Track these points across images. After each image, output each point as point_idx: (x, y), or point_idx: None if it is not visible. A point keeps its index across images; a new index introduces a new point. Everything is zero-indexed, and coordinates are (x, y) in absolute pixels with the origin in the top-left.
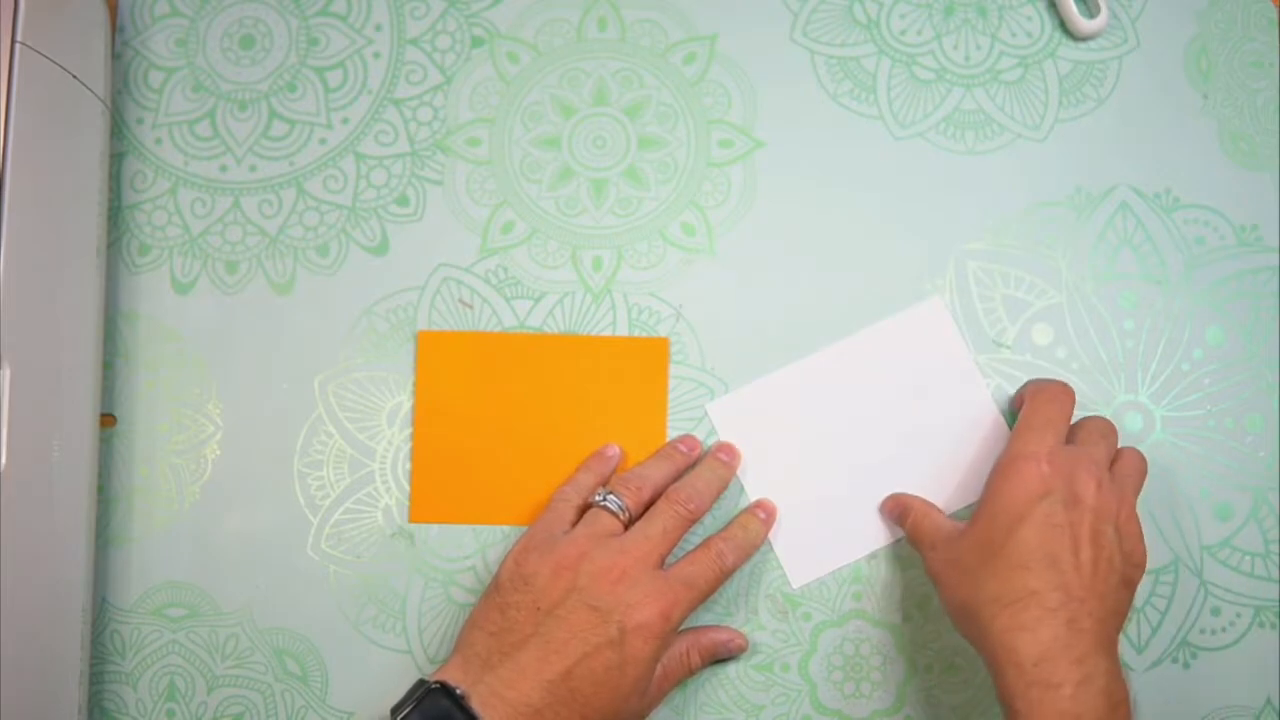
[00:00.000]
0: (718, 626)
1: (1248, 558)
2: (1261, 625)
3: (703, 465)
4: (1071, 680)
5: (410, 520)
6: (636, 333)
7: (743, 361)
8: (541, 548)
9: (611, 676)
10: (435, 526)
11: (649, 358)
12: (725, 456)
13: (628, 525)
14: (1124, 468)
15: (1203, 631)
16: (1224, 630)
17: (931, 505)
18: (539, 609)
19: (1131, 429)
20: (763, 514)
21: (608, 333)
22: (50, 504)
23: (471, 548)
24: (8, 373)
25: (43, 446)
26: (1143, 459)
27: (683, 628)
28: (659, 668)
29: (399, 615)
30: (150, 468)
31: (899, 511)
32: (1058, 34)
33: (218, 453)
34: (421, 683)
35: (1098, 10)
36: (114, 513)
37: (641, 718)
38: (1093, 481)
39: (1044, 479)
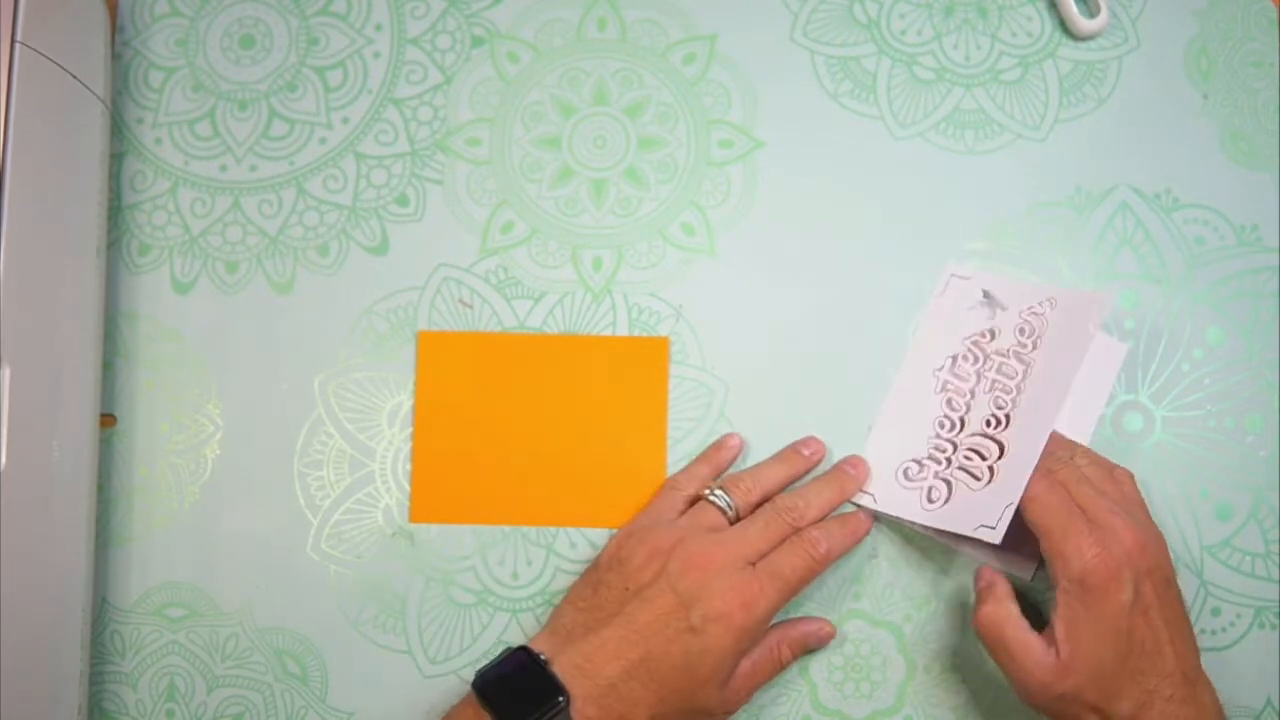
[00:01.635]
0: (806, 618)
1: (1248, 558)
2: (1262, 626)
3: (822, 477)
4: None
5: (410, 520)
6: (637, 333)
7: (743, 361)
8: (642, 532)
9: (689, 663)
10: (435, 526)
11: (649, 357)
12: (851, 469)
13: (733, 523)
14: (1129, 503)
15: (1203, 632)
16: (1224, 630)
17: (1015, 608)
18: (628, 589)
19: (1132, 429)
20: (856, 491)
21: (608, 333)
22: (50, 504)
23: (471, 547)
24: (8, 373)
25: (43, 446)
26: (1132, 483)
27: (775, 621)
28: (747, 663)
29: (399, 615)
30: (150, 468)
31: (985, 589)
32: (1058, 34)
33: (218, 453)
34: (508, 648)
35: (1098, 10)
36: (114, 513)
37: (726, 711)
38: (1143, 561)
39: (1118, 583)
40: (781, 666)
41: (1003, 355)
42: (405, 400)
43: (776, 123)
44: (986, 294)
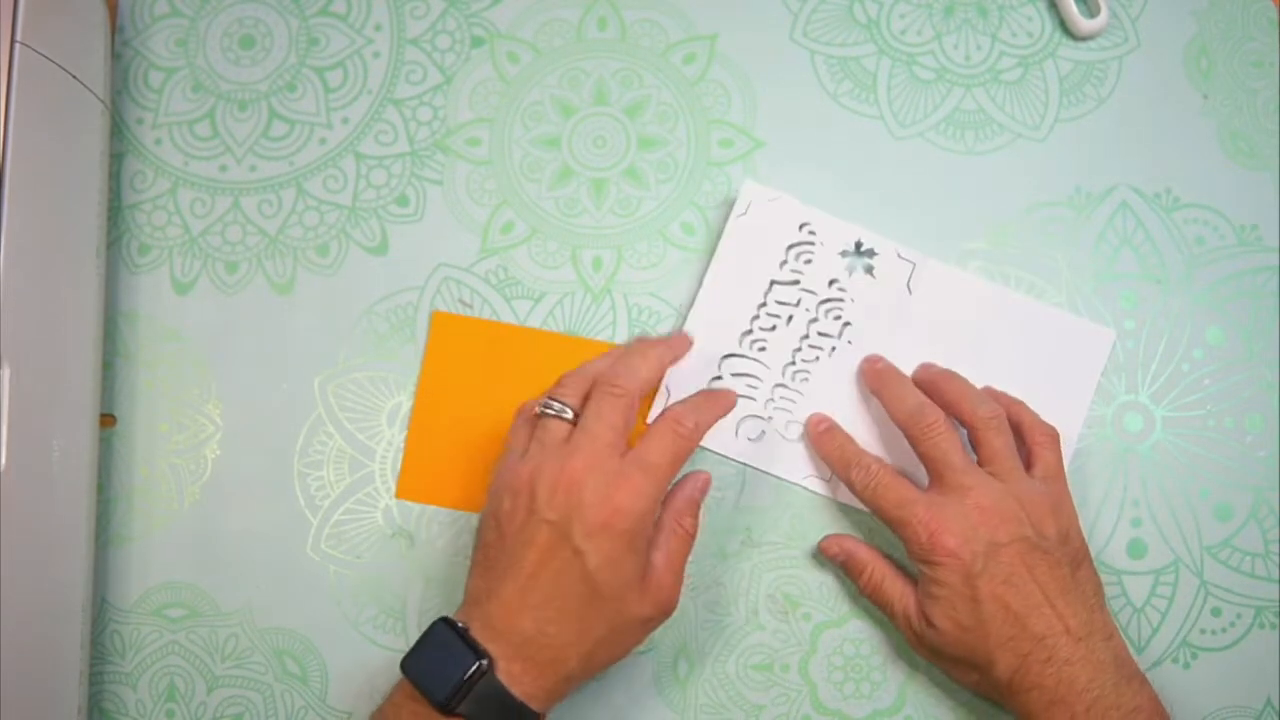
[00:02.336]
0: (681, 481)
1: (1248, 558)
2: (1262, 626)
3: (641, 343)
4: (1112, 680)
5: (396, 496)
6: (636, 332)
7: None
8: (501, 479)
9: (592, 586)
10: (436, 525)
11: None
12: (674, 341)
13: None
14: (1038, 465)
15: (1203, 632)
16: (1224, 631)
17: (889, 562)
18: (507, 539)
19: (1132, 429)
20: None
21: (607, 333)
22: (50, 504)
23: (471, 547)
24: (8, 373)
25: (43, 446)
26: (1051, 445)
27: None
28: (659, 555)
29: (399, 615)
30: (150, 468)
31: (846, 562)
32: (1058, 34)
33: (218, 453)
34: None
35: (1098, 10)
36: (114, 513)
37: (662, 608)
38: (1000, 531)
39: (958, 559)
40: (691, 537)
41: (822, 301)
42: (405, 400)
43: (776, 123)
44: (804, 225)
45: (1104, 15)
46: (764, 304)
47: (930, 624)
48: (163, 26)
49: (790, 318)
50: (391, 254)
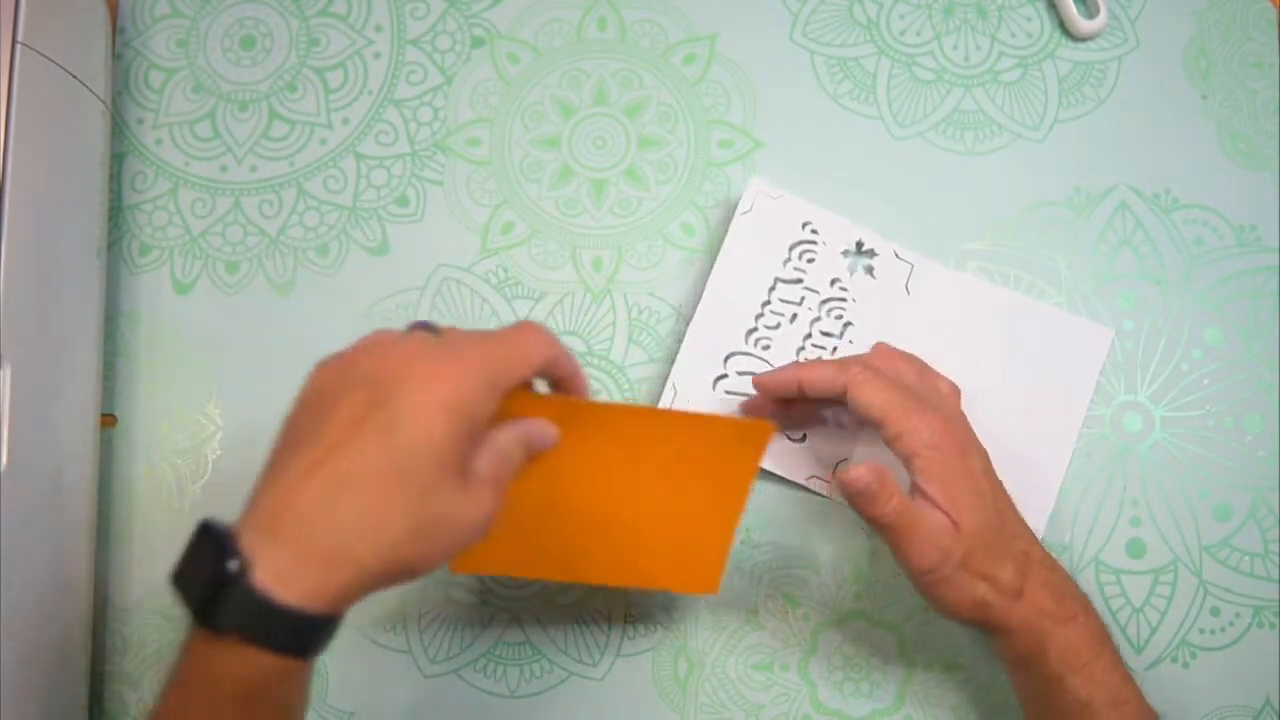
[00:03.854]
0: (531, 421)
1: (1247, 558)
2: (1261, 625)
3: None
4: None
5: (451, 569)
6: (636, 332)
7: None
8: (328, 360)
9: (400, 464)
10: None
11: (744, 442)
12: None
13: None
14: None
15: (1202, 631)
16: (1223, 630)
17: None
18: (310, 408)
19: (1131, 429)
20: None
21: (608, 333)
22: (50, 504)
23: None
24: (8, 373)
25: (43, 446)
26: (955, 394)
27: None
28: (484, 464)
29: (399, 615)
30: (150, 468)
31: (877, 488)
32: (1057, 34)
33: (218, 453)
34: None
35: (1097, 10)
36: (115, 512)
37: (472, 520)
38: (969, 438)
39: (966, 448)
40: (517, 465)
41: (824, 300)
42: None
43: (776, 123)
44: (807, 224)
45: (1103, 16)
46: (768, 302)
47: (957, 525)
48: (163, 27)
49: (794, 316)
50: (392, 254)
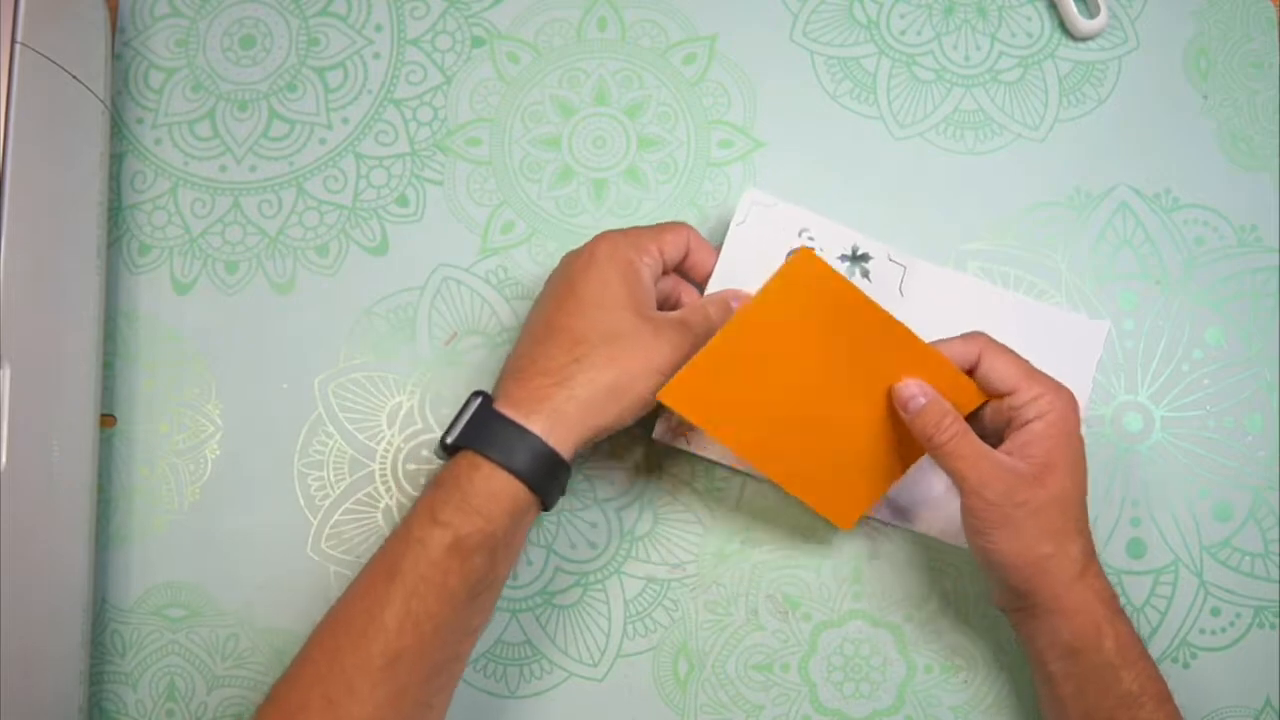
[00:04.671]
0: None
1: (1247, 558)
2: (1261, 625)
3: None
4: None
5: (657, 396)
6: None
7: None
8: None
9: (571, 287)
10: None
11: (954, 393)
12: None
13: None
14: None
15: (1203, 632)
16: (1224, 630)
17: (965, 423)
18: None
19: (1131, 429)
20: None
21: None
22: (50, 504)
23: None
24: (8, 373)
25: (43, 446)
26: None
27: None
28: (683, 309)
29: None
30: (150, 468)
31: (929, 411)
32: (1057, 34)
33: (218, 453)
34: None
35: (1097, 10)
36: (114, 513)
37: (671, 344)
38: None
39: (1078, 430)
40: (710, 323)
41: None
42: (405, 400)
43: (776, 123)
44: (804, 231)
45: (1103, 16)
46: None
47: (1032, 467)
48: (163, 27)
49: None
50: (391, 254)
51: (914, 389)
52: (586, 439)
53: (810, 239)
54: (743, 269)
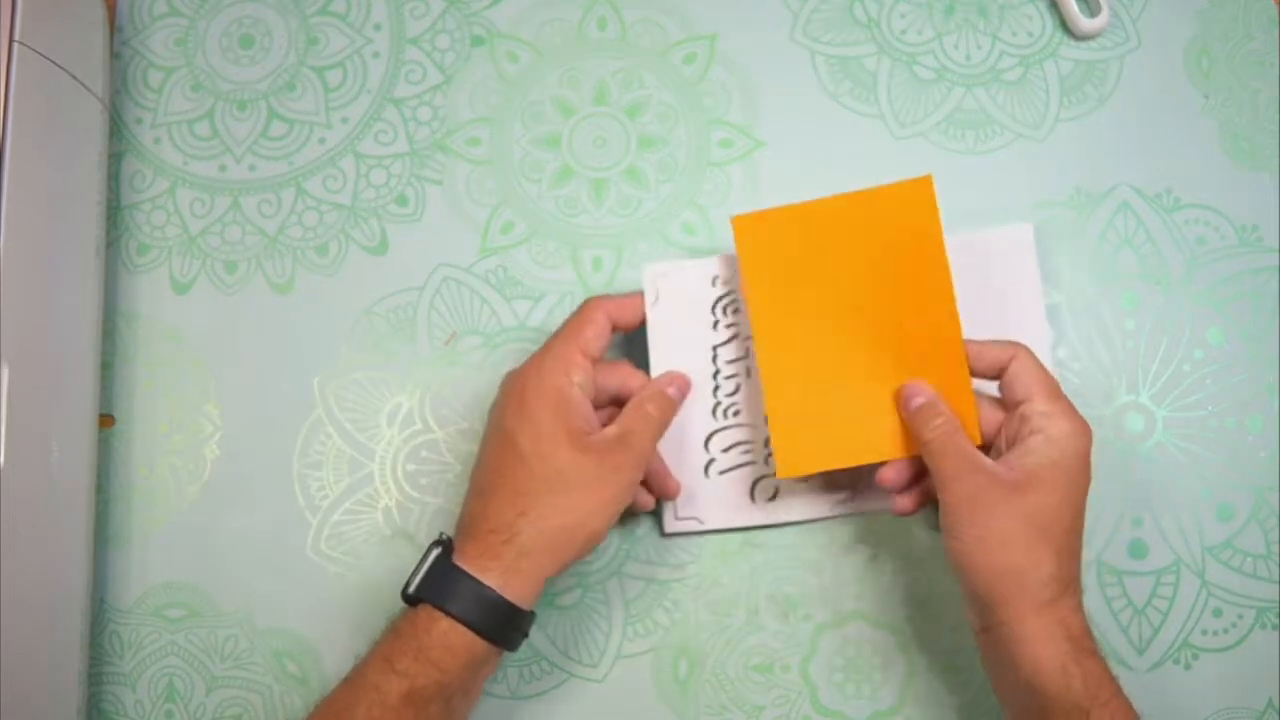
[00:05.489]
0: (663, 375)
1: (1249, 559)
2: (1263, 626)
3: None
4: (1091, 640)
5: (778, 476)
6: (636, 332)
7: None
8: None
9: (512, 445)
10: (436, 525)
11: (910, 202)
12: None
13: None
14: None
15: (1204, 633)
16: (1225, 631)
17: (959, 424)
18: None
19: (1133, 429)
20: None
21: None
22: (50, 504)
23: None
24: (7, 373)
25: (42, 446)
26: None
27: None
28: (612, 428)
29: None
30: (150, 468)
31: (924, 409)
32: (1058, 33)
33: (217, 453)
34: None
35: (1098, 10)
36: (113, 513)
37: (617, 473)
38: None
39: (1088, 459)
40: (655, 420)
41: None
42: (405, 400)
43: (776, 123)
44: (715, 279)
45: (1104, 15)
46: (717, 370)
47: (1028, 480)
48: (162, 26)
49: (749, 370)
50: (391, 254)
51: (916, 388)
52: (544, 582)
53: (725, 283)
54: (676, 338)
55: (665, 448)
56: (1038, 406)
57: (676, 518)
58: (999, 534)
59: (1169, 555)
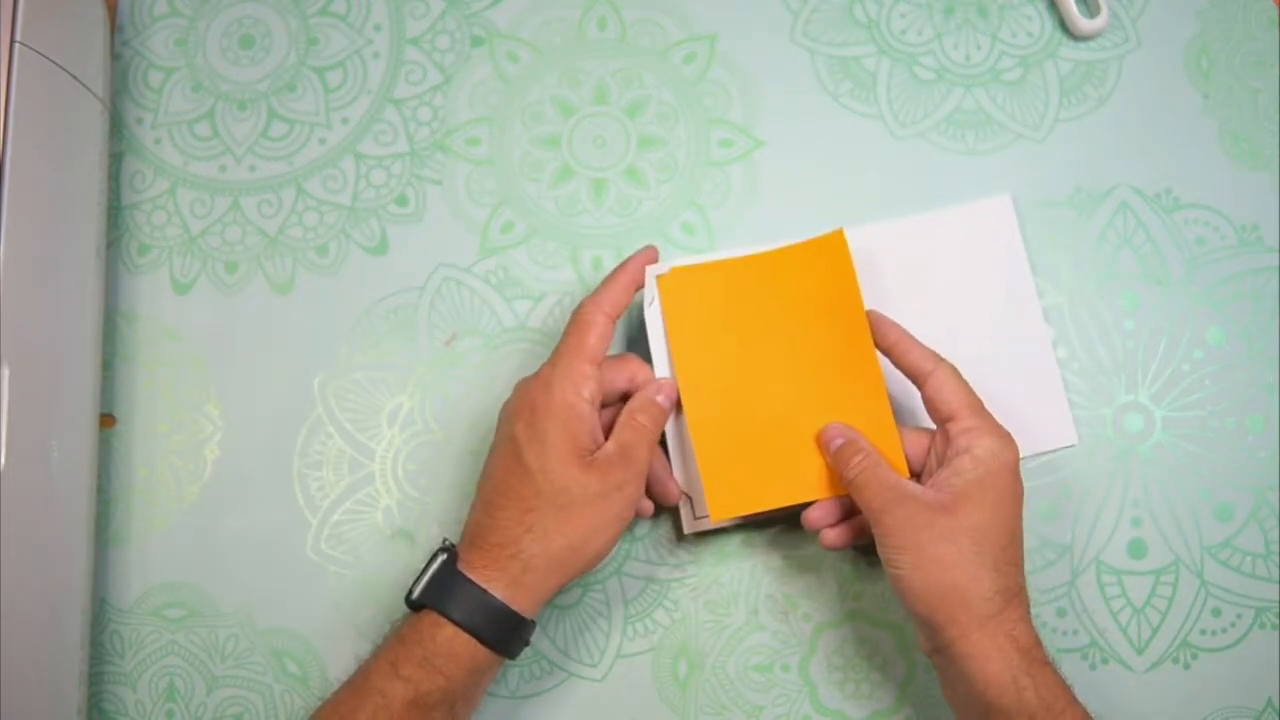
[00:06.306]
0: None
1: (1248, 558)
2: (1262, 626)
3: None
4: (1041, 650)
5: (713, 520)
6: (636, 332)
7: None
8: None
9: (520, 460)
10: (436, 525)
11: (825, 254)
12: (636, 258)
13: None
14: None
15: (1203, 632)
16: (1225, 631)
17: (880, 458)
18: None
19: (1132, 429)
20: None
21: None
22: (50, 504)
23: None
24: (7, 373)
25: (42, 446)
26: None
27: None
28: (611, 443)
29: (399, 616)
30: (150, 468)
31: (844, 449)
32: (1058, 34)
33: (217, 453)
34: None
35: (1098, 10)
36: (114, 513)
37: (618, 489)
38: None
39: (1017, 472)
40: (648, 430)
41: None
42: (405, 400)
43: (776, 123)
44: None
45: (1104, 15)
46: None
47: (957, 500)
48: (162, 26)
49: None
50: (391, 254)
51: (835, 430)
52: (550, 594)
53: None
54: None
55: (672, 448)
56: (961, 424)
57: (695, 516)
58: (934, 556)
59: (1168, 555)
